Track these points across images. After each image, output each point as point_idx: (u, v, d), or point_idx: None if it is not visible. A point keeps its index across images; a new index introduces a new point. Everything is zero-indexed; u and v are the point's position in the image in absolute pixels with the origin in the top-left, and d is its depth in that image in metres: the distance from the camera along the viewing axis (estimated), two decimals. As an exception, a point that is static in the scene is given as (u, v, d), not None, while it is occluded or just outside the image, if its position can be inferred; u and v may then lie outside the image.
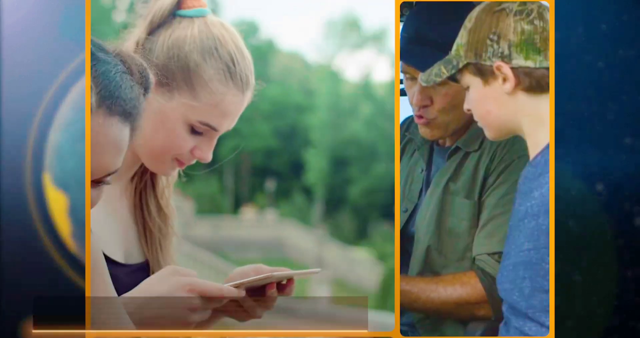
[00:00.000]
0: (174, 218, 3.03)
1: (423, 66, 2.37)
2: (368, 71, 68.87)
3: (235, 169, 64.81)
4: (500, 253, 2.36)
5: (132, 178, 2.97)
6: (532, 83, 2.28)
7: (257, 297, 2.80)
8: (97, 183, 2.27)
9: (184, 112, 2.81)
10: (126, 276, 2.83)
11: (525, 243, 2.21)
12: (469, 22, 2.31)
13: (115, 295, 2.58)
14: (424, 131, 2.53)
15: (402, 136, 2.67)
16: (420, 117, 2.56)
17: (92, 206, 2.31)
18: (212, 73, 2.81)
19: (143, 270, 2.93)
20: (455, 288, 2.43)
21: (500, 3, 2.27)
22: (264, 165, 65.62)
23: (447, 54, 2.31)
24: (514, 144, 2.51)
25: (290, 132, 65.87)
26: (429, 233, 2.52)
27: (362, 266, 49.66)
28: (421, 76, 2.35)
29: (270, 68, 66.15)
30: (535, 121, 2.28)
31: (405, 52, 2.53)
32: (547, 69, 2.28)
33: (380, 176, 62.28)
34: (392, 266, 41.96)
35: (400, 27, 2.53)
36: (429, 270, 2.55)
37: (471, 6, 2.34)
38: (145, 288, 2.70)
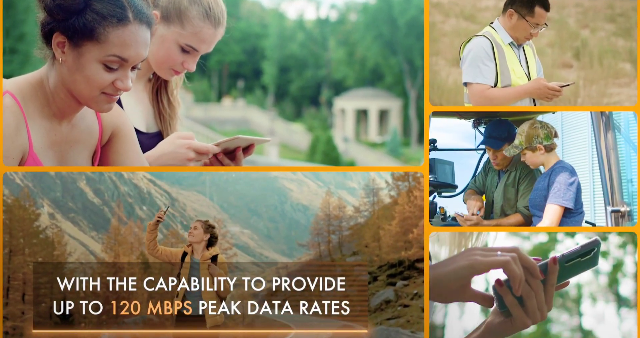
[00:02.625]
0: (179, 108, 2.96)
1: (496, 147, 3.60)
2: (301, 13, 68.24)
3: (219, 73, 64.39)
4: (527, 206, 3.47)
5: (150, 79, 2.89)
6: (547, 149, 3.36)
7: (231, 156, 2.78)
8: (133, 68, 2.25)
9: (176, 38, 2.75)
10: (147, 140, 2.78)
11: (536, 198, 3.38)
12: (521, 130, 3.41)
13: (140, 151, 2.52)
14: (495, 166, 3.69)
15: (487, 168, 3.79)
16: (494, 162, 3.67)
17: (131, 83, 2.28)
18: (195, 14, 2.74)
19: (158, 136, 2.87)
20: (512, 219, 3.53)
21: (534, 121, 3.39)
22: (236, 71, 65.15)
23: (509, 143, 3.49)
24: (532, 169, 3.58)
25: (252, 50, 65.31)
26: (501, 200, 3.64)
27: (297, 135, 49.84)
28: (505, 151, 3.50)
29: (239, 11, 65.75)
30: (547, 161, 3.38)
31: (487, 142, 3.66)
32: (553, 144, 3.37)
33: (308, 79, 62.22)
34: (318, 134, 42.03)
35: (486, 128, 3.71)
36: (503, 214, 3.63)
37: (512, 125, 3.61)
38: (160, 148, 2.68)
